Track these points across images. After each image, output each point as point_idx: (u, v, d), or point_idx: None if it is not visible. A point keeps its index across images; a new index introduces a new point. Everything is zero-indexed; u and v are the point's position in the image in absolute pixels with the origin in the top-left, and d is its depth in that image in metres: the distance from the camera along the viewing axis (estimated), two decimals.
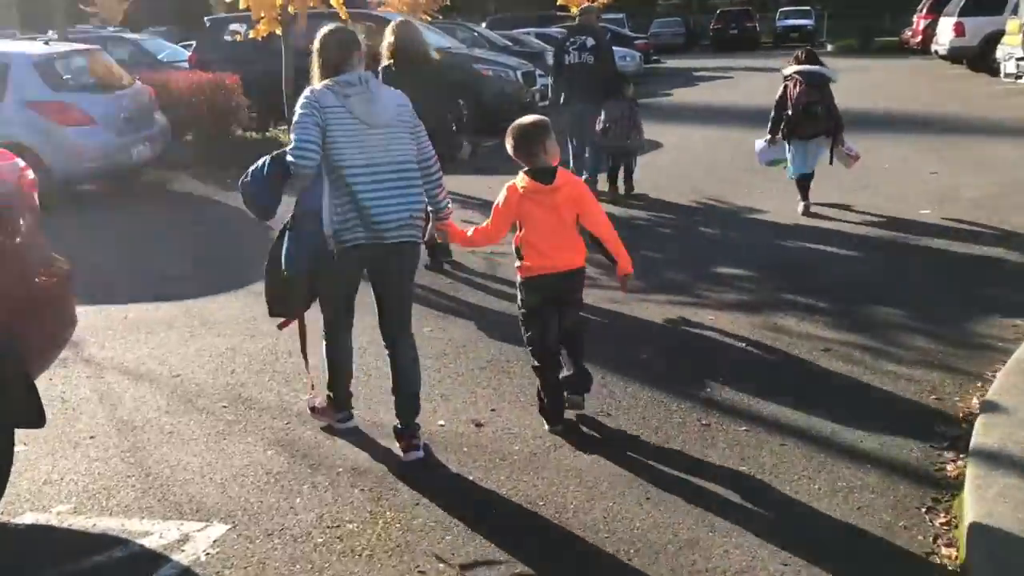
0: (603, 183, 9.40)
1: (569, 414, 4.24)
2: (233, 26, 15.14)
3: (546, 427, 4.18)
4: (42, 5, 22.76)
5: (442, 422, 4.32)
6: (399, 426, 4.00)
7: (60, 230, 9.33)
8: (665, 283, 6.45)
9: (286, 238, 3.95)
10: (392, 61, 6.36)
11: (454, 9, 24.19)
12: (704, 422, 4.23)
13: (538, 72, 15.42)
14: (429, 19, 16.44)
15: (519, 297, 4.15)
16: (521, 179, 3.95)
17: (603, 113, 9.06)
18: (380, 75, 6.09)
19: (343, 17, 11.75)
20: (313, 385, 4.39)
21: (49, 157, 9.19)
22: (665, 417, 4.28)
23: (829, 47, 37.00)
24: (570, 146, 9.58)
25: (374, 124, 3.70)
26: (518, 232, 4.02)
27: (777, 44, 40.59)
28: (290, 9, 12.43)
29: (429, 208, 4.02)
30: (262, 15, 12.30)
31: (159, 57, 19.49)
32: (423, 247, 4.29)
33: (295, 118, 3.65)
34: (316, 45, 3.85)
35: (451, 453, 4.02)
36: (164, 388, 4.90)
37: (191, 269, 7.29)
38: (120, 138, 9.71)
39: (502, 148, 4.08)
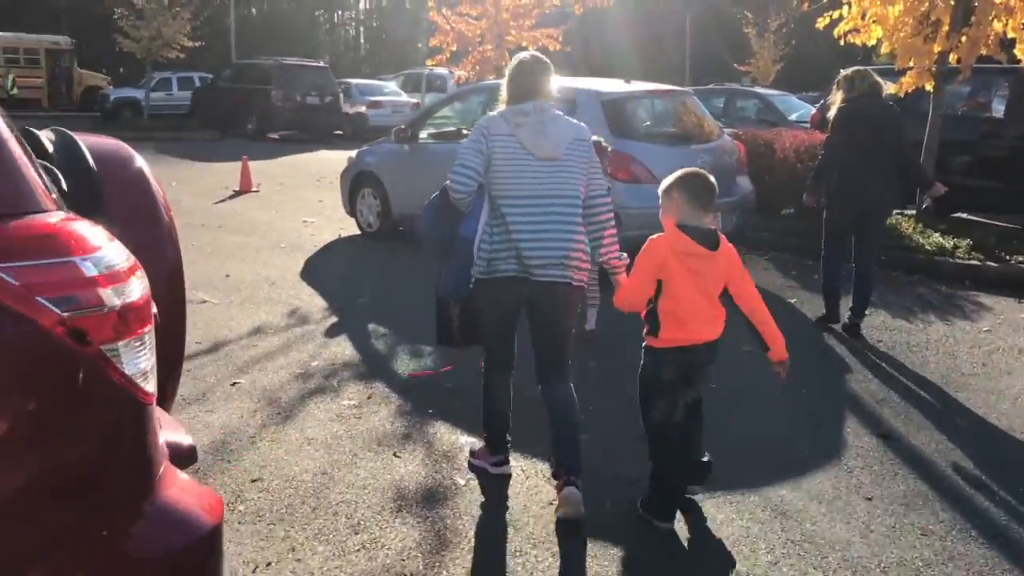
0: None
1: None
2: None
3: (655, 523, 3.48)
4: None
5: None
6: (557, 462, 3.63)
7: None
8: None
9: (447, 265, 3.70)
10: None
11: None
12: None
13: None
14: None
15: (647, 369, 3.54)
16: (674, 237, 3.43)
17: None
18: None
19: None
20: None
21: None
22: None
23: None
24: None
25: (541, 156, 3.55)
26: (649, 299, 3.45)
27: None
28: (951, 58, 9.21)
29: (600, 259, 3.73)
30: (910, 64, 9.31)
31: (790, 117, 17.39)
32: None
33: (463, 143, 3.66)
34: (507, 71, 3.78)
35: None
36: None
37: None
38: None
39: None
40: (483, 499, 3.74)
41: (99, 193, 2.08)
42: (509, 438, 3.95)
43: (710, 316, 3.47)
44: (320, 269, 8.17)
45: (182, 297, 2.35)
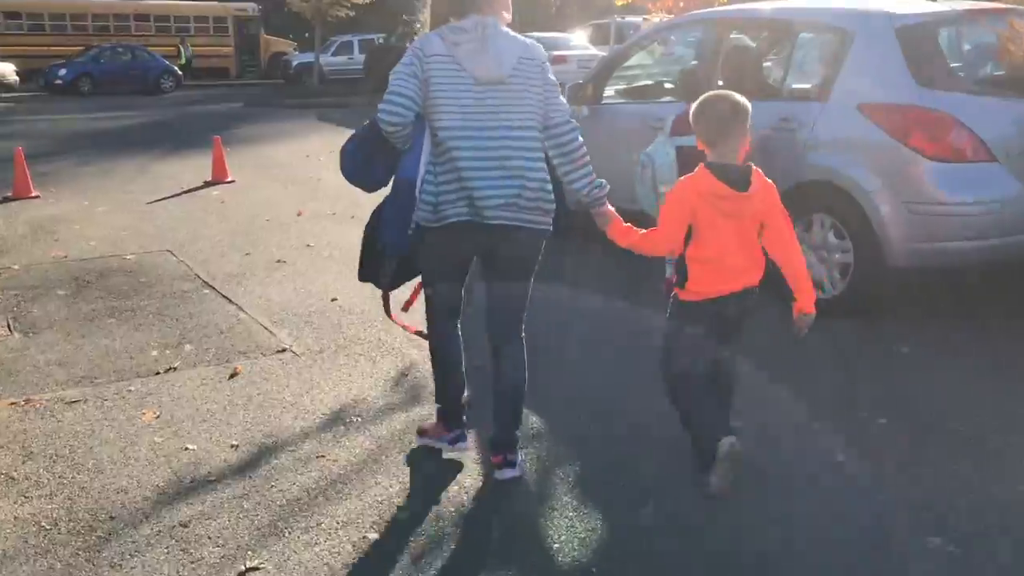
0: None
1: None
2: None
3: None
4: None
5: None
6: (493, 436, 3.28)
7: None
8: None
9: (385, 207, 3.23)
10: None
11: None
12: None
13: None
14: None
15: (675, 322, 3.26)
16: (702, 177, 3.09)
17: None
18: None
19: None
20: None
21: (886, 219, 4.57)
22: None
23: None
24: None
25: (484, 79, 3.05)
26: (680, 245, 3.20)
27: None
28: None
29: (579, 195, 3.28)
30: None
31: None
32: None
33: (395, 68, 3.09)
34: None
35: None
36: None
37: None
38: None
39: None
40: None
41: None
42: (466, 409, 3.44)
43: (747, 262, 3.16)
44: None
45: None
